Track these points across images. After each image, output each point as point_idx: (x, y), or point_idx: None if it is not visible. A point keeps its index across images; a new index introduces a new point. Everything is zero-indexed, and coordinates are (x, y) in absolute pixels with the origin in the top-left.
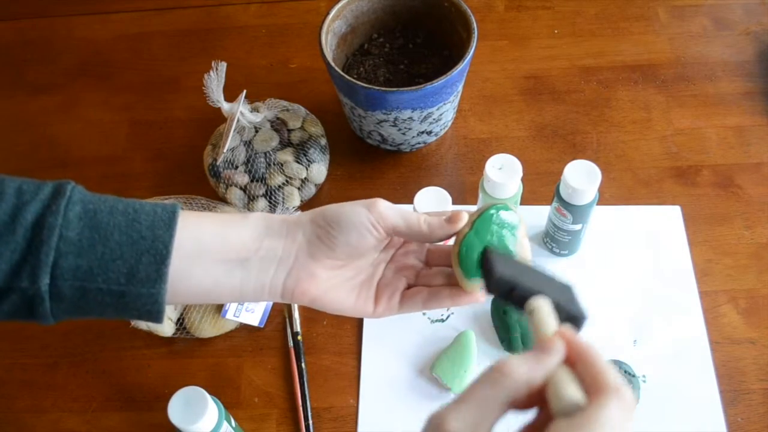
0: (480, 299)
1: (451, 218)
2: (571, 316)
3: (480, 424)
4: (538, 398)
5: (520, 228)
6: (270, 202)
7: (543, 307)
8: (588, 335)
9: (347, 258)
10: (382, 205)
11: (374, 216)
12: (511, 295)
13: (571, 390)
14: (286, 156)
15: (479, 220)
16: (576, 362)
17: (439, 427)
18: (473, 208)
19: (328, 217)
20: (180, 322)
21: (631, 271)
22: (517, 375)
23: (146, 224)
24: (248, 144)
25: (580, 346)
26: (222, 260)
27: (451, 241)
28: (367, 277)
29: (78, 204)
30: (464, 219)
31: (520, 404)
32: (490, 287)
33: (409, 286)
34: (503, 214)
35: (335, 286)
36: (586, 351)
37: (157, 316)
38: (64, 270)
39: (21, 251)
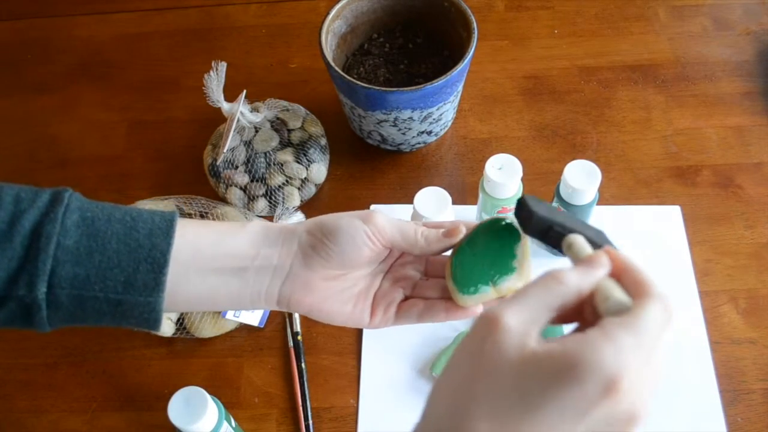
0: (475, 314)
1: (449, 232)
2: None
3: (532, 324)
4: (579, 313)
5: (522, 242)
6: (270, 202)
7: (579, 240)
8: None
9: (343, 269)
10: (379, 218)
11: (371, 229)
12: (548, 234)
13: (618, 293)
14: (286, 156)
15: (474, 233)
16: (621, 274)
17: (494, 322)
18: (473, 209)
19: (324, 227)
20: (180, 322)
21: None
22: (570, 282)
23: (144, 232)
24: (248, 144)
25: (624, 259)
26: (219, 269)
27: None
28: (364, 288)
29: (76, 212)
30: (462, 232)
31: (567, 313)
32: (528, 227)
33: (406, 298)
34: (502, 226)
35: (331, 296)
36: (630, 263)
37: (154, 325)
38: (62, 278)
39: (18, 259)
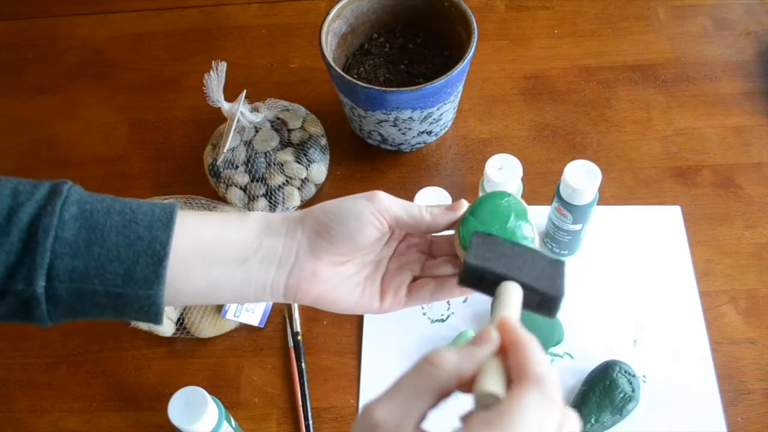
0: None
1: (453, 205)
2: (545, 296)
3: (406, 414)
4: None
5: (522, 209)
6: (270, 202)
7: (507, 292)
8: (588, 335)
9: (349, 252)
10: (383, 196)
11: (376, 207)
12: (481, 284)
13: (491, 381)
14: (286, 156)
15: (477, 202)
16: (508, 352)
17: (367, 417)
18: None
19: (329, 210)
20: (180, 322)
21: (631, 271)
22: (447, 365)
23: (144, 224)
24: (248, 144)
25: (516, 334)
26: (221, 260)
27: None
28: (371, 273)
29: (74, 204)
30: (465, 205)
31: (459, 390)
32: (459, 277)
33: (414, 279)
34: (502, 196)
35: (338, 284)
36: (520, 340)
37: (155, 318)
38: (60, 272)
39: (16, 253)
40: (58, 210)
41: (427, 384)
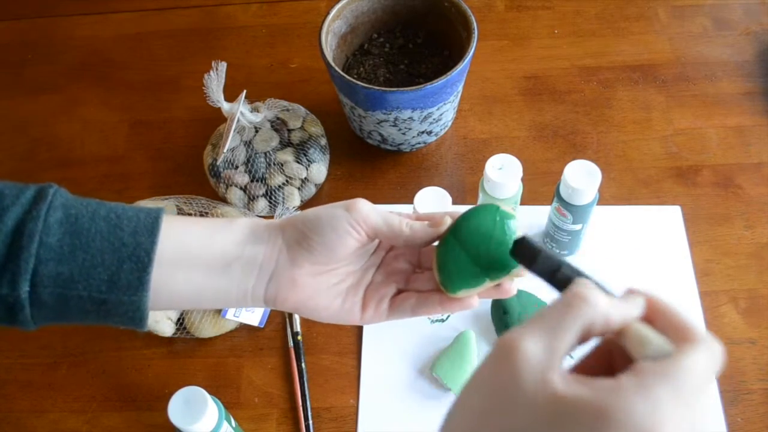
0: (472, 306)
1: (435, 221)
2: None
3: (553, 353)
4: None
5: (513, 223)
6: (270, 202)
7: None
8: None
9: (328, 261)
10: (363, 205)
11: (354, 216)
12: (555, 276)
13: (658, 338)
14: (286, 156)
15: (460, 219)
16: (656, 317)
17: (511, 349)
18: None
19: (307, 220)
20: (180, 322)
21: (631, 271)
22: (599, 307)
23: (128, 230)
24: (248, 144)
25: (660, 300)
26: (204, 266)
27: None
28: (354, 283)
29: (59, 209)
30: (447, 223)
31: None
32: (534, 266)
33: (399, 291)
34: (488, 213)
35: (318, 293)
36: (667, 305)
37: (139, 324)
38: (44, 277)
39: (1, 257)
40: (43, 215)
41: (575, 320)
